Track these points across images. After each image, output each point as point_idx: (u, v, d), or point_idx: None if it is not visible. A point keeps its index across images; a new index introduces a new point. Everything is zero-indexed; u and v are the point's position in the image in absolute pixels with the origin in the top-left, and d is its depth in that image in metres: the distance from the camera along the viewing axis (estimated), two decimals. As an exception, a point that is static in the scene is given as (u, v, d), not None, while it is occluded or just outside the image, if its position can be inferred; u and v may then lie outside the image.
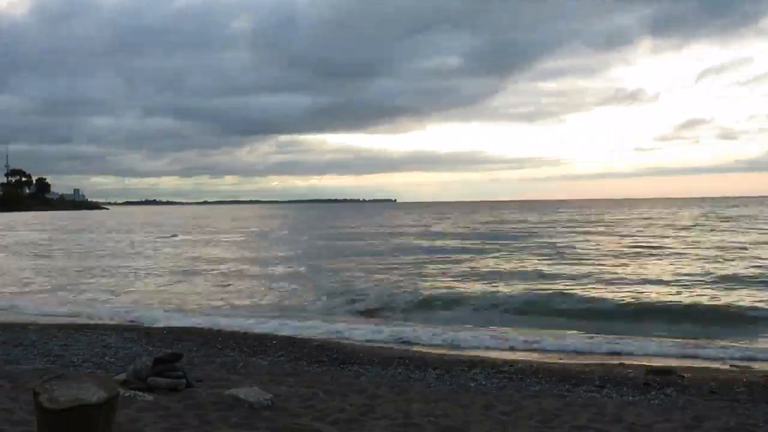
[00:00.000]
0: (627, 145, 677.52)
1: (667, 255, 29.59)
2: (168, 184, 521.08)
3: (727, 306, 16.39)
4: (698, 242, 36.64)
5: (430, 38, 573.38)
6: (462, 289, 20.25)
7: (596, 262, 26.89)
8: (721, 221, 61.96)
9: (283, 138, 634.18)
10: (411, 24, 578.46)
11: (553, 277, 22.72)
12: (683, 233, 45.14)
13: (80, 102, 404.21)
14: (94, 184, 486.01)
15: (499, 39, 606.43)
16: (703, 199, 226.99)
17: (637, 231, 49.21)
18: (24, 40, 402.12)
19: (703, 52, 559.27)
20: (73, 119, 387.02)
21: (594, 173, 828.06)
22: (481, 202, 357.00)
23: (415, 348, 12.44)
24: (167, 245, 44.66)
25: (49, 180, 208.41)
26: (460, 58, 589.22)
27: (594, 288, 19.94)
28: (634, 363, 10.90)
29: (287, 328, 14.46)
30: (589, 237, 43.83)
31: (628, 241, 39.02)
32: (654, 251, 31.49)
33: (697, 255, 28.85)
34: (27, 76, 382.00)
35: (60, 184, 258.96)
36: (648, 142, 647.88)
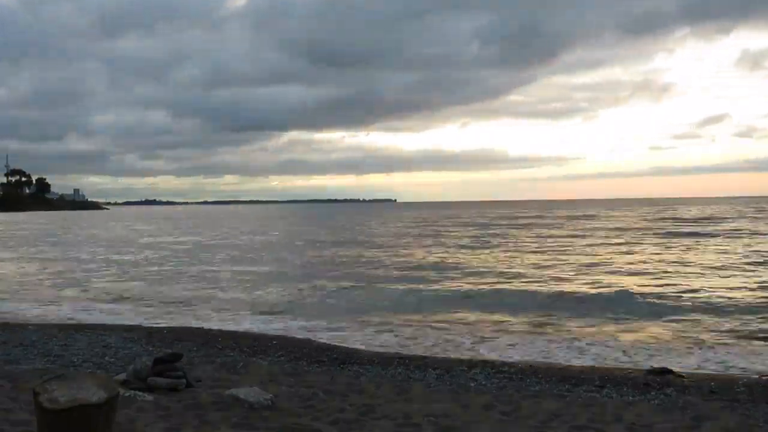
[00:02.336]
0: (657, 141, 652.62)
1: None
2: (166, 184, 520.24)
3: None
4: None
5: (441, 20, 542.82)
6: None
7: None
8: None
9: (283, 137, 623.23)
10: (420, 4, 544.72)
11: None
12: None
13: (78, 99, 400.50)
14: (93, 184, 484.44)
15: (519, 24, 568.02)
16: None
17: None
18: (7, 27, 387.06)
19: (742, 41, 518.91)
20: (70, 117, 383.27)
21: (606, 172, 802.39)
22: (482, 202, 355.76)
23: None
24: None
25: (47, 180, 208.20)
26: (477, 45, 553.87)
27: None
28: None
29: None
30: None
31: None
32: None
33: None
34: (13, 68, 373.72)
35: (59, 184, 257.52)
36: (681, 137, 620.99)
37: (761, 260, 26.68)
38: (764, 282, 20.53)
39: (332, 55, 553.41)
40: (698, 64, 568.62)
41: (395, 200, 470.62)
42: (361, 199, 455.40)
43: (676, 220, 66.53)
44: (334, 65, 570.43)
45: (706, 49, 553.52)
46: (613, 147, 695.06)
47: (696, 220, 65.22)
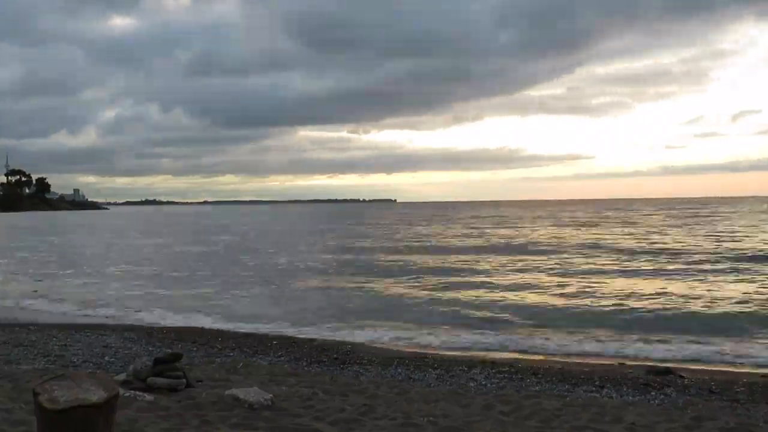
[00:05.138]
0: (685, 140, 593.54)
1: None
2: (166, 183, 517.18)
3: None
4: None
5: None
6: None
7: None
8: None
9: (284, 136, 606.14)
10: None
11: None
12: None
13: (70, 95, 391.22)
14: (92, 184, 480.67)
15: (546, 5, 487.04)
16: None
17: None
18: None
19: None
20: (64, 113, 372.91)
21: (631, 171, 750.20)
22: (483, 202, 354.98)
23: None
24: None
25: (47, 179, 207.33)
26: (495, 30, 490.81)
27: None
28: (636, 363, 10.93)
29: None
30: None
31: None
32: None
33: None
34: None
35: (59, 184, 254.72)
36: (709, 134, 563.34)
37: None
38: None
39: (333, 40, 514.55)
40: (752, 49, 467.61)
41: (395, 200, 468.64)
42: (361, 199, 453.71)
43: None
44: (335, 51, 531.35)
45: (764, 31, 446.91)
46: (642, 144, 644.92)
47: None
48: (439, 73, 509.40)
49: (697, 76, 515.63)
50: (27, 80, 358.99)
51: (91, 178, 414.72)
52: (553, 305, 17.17)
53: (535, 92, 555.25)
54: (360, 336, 13.59)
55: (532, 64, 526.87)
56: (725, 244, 33.77)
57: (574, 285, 20.77)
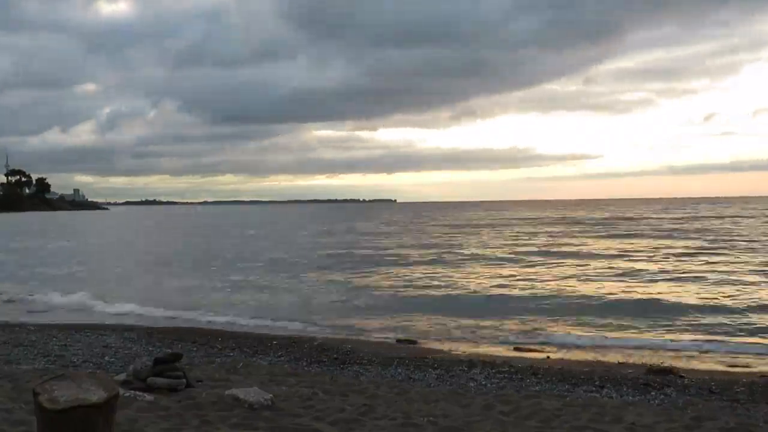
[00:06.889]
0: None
1: None
2: (166, 183, 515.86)
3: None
4: None
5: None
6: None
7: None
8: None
9: (284, 134, 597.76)
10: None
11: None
12: None
13: (69, 90, 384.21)
14: (92, 184, 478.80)
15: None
16: None
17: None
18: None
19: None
20: (59, 111, 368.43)
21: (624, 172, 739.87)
22: (481, 202, 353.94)
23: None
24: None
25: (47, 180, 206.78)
26: (512, 20, 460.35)
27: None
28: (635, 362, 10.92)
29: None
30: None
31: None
32: None
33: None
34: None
35: (58, 184, 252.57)
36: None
37: None
38: None
39: (334, 31, 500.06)
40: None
41: (395, 200, 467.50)
42: (361, 199, 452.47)
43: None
44: (337, 45, 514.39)
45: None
46: (659, 143, 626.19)
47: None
48: (445, 67, 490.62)
49: (721, 72, 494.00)
50: (17, 73, 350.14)
51: (89, 178, 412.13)
52: None
53: (548, 88, 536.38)
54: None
55: (547, 58, 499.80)
56: None
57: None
